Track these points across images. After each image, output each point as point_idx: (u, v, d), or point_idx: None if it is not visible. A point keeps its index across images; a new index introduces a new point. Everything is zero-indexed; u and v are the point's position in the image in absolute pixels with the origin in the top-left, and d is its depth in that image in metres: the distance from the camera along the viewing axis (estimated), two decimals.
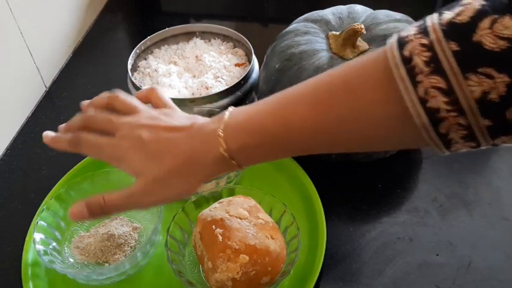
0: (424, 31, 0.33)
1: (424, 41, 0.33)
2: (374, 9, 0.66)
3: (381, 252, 0.57)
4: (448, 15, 0.33)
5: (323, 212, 0.58)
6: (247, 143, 0.42)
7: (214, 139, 0.42)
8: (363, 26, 0.59)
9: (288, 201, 0.57)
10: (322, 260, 0.53)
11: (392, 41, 0.35)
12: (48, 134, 0.49)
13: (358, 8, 0.66)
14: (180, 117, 0.46)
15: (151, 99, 0.50)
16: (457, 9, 0.32)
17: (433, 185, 0.63)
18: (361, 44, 0.61)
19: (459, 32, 0.32)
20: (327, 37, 0.63)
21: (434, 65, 0.32)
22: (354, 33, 0.59)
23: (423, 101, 0.33)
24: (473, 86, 0.31)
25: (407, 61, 0.33)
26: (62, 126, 0.50)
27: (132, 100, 0.48)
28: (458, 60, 0.31)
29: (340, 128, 0.39)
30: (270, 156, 0.44)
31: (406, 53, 0.33)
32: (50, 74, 0.83)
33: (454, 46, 0.31)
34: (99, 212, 0.46)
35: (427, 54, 0.32)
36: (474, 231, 0.58)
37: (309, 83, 0.41)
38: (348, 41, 0.60)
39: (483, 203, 0.61)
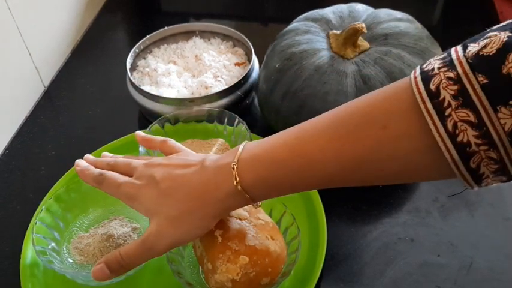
0: (449, 64, 0.33)
1: (451, 74, 0.32)
2: (375, 8, 0.66)
3: (382, 253, 0.56)
4: (473, 47, 0.32)
5: (323, 212, 0.57)
6: (262, 176, 0.41)
7: (227, 172, 0.42)
8: (363, 25, 0.58)
9: (288, 202, 0.56)
10: (322, 260, 0.53)
11: (416, 74, 0.35)
12: (80, 164, 0.51)
13: (359, 7, 0.66)
14: (193, 155, 0.47)
15: (164, 150, 0.52)
16: (483, 42, 0.32)
17: (434, 185, 0.63)
18: (362, 43, 0.61)
19: (487, 65, 0.31)
20: (328, 36, 0.63)
21: (463, 98, 0.32)
22: (355, 33, 0.59)
23: (452, 136, 0.32)
24: (504, 118, 0.31)
25: (434, 95, 0.33)
26: (90, 158, 0.53)
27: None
28: (488, 92, 0.31)
29: (363, 163, 0.38)
30: (285, 189, 0.43)
31: (432, 87, 0.33)
32: (49, 73, 0.82)
33: (483, 79, 0.31)
34: (118, 267, 0.45)
35: (455, 87, 0.32)
36: (475, 232, 0.58)
37: (329, 116, 0.40)
38: (348, 40, 0.59)
39: (485, 204, 0.60)
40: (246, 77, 0.70)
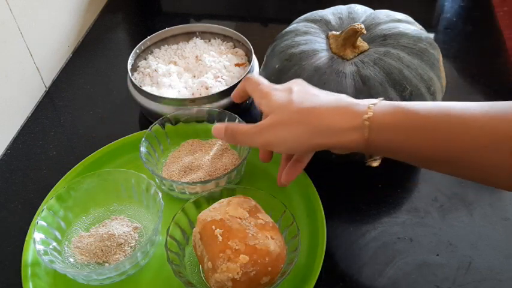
0: None
1: None
2: (374, 9, 0.66)
3: (381, 253, 0.57)
4: None
5: (323, 212, 0.58)
6: (395, 122, 0.43)
7: (362, 108, 0.45)
8: (363, 26, 0.58)
9: (288, 201, 0.57)
10: (322, 260, 0.53)
11: None
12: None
13: (358, 8, 0.66)
14: None
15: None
16: None
17: (433, 185, 0.63)
18: (361, 44, 0.61)
19: None
20: (327, 37, 0.63)
21: None
22: (354, 33, 0.59)
23: None
24: None
25: None
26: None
27: None
28: None
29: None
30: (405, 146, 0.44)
31: None
32: (50, 74, 0.83)
33: None
34: (230, 136, 0.53)
35: None
36: (474, 232, 0.58)
37: (478, 114, 0.41)
38: (348, 41, 0.60)
39: (483, 203, 0.61)
40: None
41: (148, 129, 0.64)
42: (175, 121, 0.66)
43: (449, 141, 0.42)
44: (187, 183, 0.59)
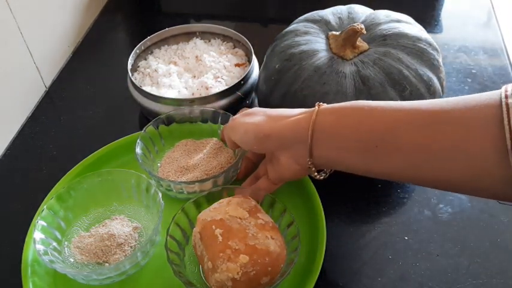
0: None
1: None
2: (374, 9, 0.66)
3: (381, 253, 0.57)
4: None
5: (323, 212, 0.58)
6: (338, 115, 0.47)
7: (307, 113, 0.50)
8: (363, 26, 0.59)
9: (288, 201, 0.57)
10: (322, 260, 0.53)
11: (508, 94, 0.38)
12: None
13: (358, 8, 0.66)
14: None
15: None
16: None
17: None
18: (361, 44, 0.61)
19: None
20: (327, 37, 0.63)
21: None
22: (354, 33, 0.59)
23: None
24: None
25: None
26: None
27: None
28: None
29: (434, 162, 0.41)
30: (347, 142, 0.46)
31: None
32: (50, 74, 0.83)
33: None
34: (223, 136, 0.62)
35: None
36: (474, 232, 0.58)
37: (413, 106, 0.43)
38: (348, 41, 0.60)
39: (483, 203, 0.61)
40: (246, 78, 0.70)
41: (143, 131, 0.63)
42: (169, 122, 0.66)
43: (372, 125, 0.44)
44: (185, 182, 0.59)
